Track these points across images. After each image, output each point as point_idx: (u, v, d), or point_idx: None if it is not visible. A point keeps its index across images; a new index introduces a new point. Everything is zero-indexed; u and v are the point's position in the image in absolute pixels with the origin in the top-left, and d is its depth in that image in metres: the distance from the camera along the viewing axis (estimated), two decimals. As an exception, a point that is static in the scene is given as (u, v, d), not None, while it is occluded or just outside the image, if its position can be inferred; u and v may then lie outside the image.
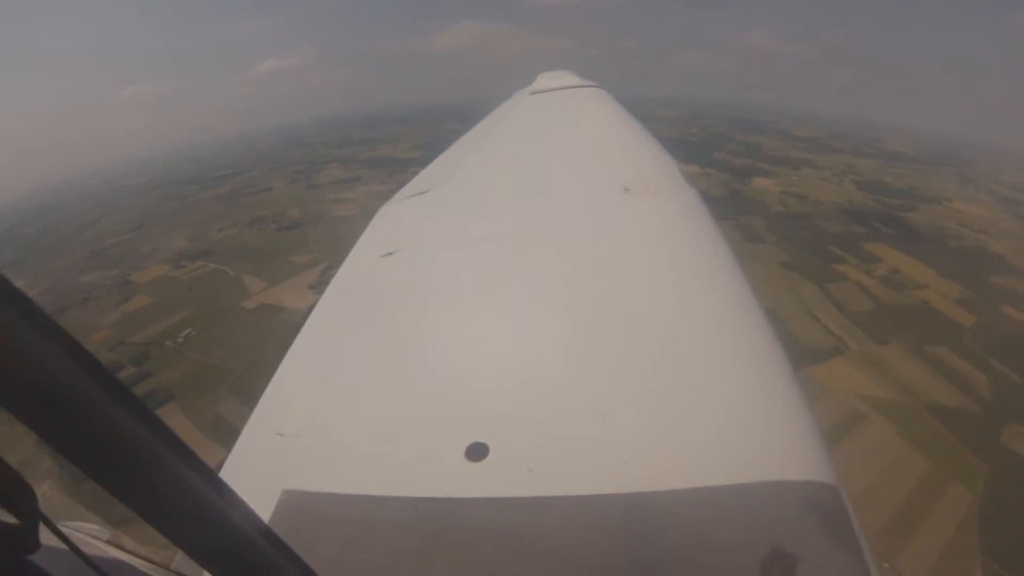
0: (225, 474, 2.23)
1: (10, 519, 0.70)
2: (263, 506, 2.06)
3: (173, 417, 35.29)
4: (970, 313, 47.34)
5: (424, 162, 5.62)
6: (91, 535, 1.52)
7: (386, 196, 4.89)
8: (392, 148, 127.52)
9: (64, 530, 0.79)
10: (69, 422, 0.59)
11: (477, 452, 2.21)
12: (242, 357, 42.06)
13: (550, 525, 1.95)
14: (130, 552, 1.45)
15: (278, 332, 43.58)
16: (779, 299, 44.79)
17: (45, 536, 0.75)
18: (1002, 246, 64.72)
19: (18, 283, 0.54)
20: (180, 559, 1.63)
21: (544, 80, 6.42)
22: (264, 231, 75.43)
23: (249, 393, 35.81)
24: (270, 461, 2.45)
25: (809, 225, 66.93)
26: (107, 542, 1.49)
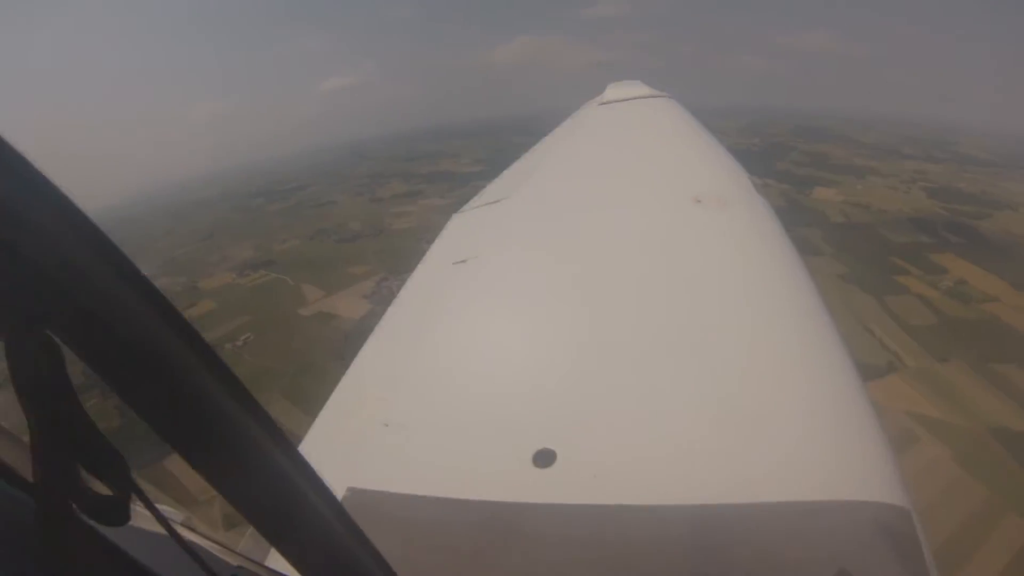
0: None
1: (104, 491, 0.72)
2: None
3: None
4: None
5: (485, 175, 5.82)
6: (168, 517, 1.75)
7: (445, 209, 5.16)
8: (453, 162, 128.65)
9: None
10: (168, 397, 0.61)
11: (544, 458, 2.23)
12: (295, 361, 43.35)
13: (614, 533, 1.95)
14: (202, 535, 1.47)
15: (331, 339, 44.99)
16: (833, 313, 42.28)
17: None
18: (1087, 254, 58.91)
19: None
20: (246, 543, 1.72)
21: (613, 90, 6.47)
22: (325, 242, 77.62)
23: (300, 396, 37.28)
24: (337, 458, 2.48)
25: (871, 236, 63.33)
26: (182, 524, 1.52)
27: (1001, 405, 34.51)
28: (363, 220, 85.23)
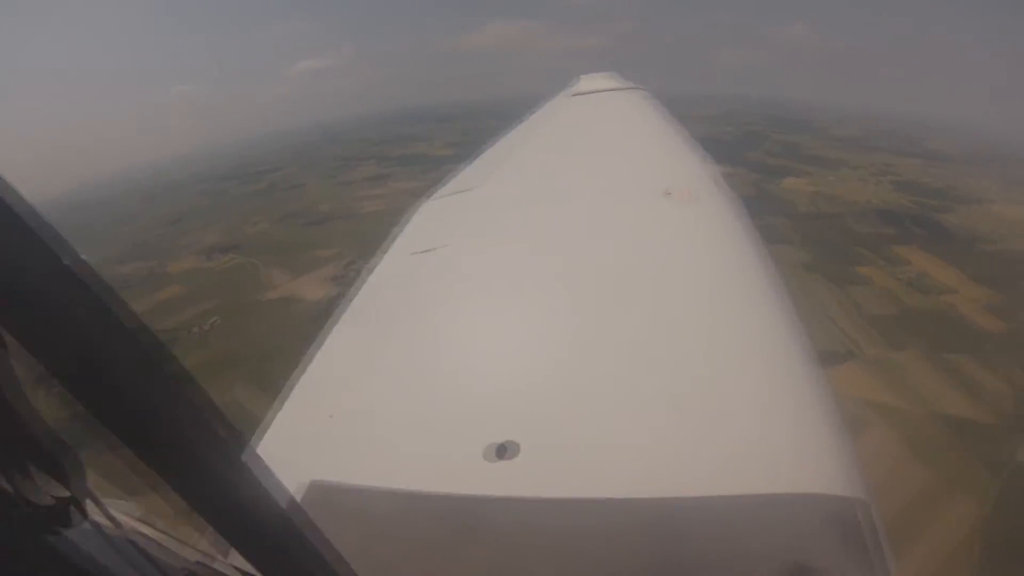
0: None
1: (62, 493, 0.70)
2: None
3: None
4: (999, 320, 44.85)
5: (457, 159, 5.72)
6: (125, 512, 1.50)
7: (415, 193, 5.05)
8: (426, 146, 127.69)
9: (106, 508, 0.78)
10: (118, 394, 0.58)
11: (503, 451, 2.21)
12: (260, 345, 42.99)
13: (572, 526, 1.94)
14: (160, 530, 1.44)
15: (296, 322, 44.55)
16: (795, 302, 42.54)
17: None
18: (1043, 250, 60.76)
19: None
20: (208, 537, 1.59)
21: (587, 82, 6.49)
22: (294, 225, 77.01)
23: (264, 380, 37.01)
24: (299, 451, 2.46)
25: (837, 226, 64.39)
26: (139, 519, 1.48)
27: (951, 393, 35.48)
28: (332, 203, 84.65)
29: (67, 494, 0.69)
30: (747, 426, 2.22)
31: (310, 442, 2.55)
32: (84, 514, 0.72)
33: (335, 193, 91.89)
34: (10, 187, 0.47)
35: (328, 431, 2.55)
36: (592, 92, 6.23)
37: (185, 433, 0.66)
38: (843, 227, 64.71)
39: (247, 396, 36.41)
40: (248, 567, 0.89)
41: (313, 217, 79.33)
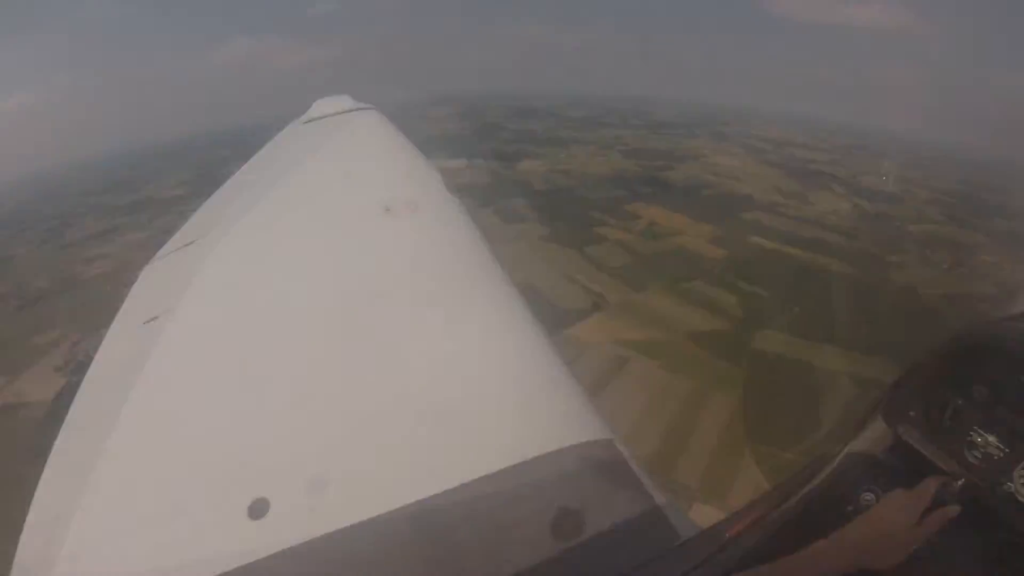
0: None
1: None
2: None
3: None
4: (721, 248, 55.17)
5: (192, 200, 4.78)
6: None
7: (147, 244, 3.85)
8: (156, 188, 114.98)
9: None
10: None
11: (260, 510, 2.15)
12: (-18, 470, 36.02)
13: (345, 556, 1.95)
14: None
15: (22, 434, 37.76)
16: (537, 271, 46.93)
17: None
18: (750, 187, 77.10)
19: None
20: None
21: (319, 107, 6.25)
22: (3, 311, 65.15)
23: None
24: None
25: (571, 198, 72.02)
26: None
27: (692, 314, 42.45)
28: (50, 274, 73.61)
29: None
30: (488, 408, 2.40)
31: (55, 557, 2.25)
32: None
33: (53, 260, 79.62)
34: None
35: (78, 551, 2.26)
36: (323, 117, 6.10)
37: None
38: (576, 198, 72.66)
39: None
40: None
41: (27, 297, 68.13)
